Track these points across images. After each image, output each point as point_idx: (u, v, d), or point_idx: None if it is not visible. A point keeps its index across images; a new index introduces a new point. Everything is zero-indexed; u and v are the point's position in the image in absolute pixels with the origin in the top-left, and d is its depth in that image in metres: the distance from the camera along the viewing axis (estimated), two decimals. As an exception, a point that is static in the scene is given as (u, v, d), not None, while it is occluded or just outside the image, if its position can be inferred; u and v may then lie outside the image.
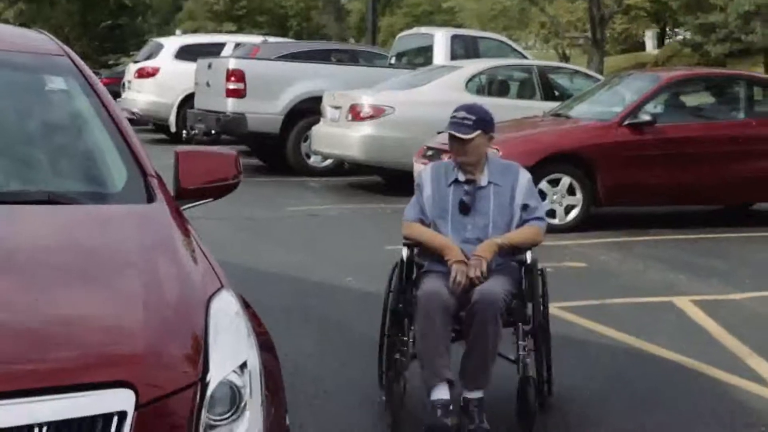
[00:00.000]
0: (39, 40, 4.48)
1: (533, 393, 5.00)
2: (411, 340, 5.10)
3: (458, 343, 5.05)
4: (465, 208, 5.16)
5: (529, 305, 5.11)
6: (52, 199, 3.46)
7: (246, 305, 3.18)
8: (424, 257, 5.23)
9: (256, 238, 10.50)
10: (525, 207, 5.20)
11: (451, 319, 4.92)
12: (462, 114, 5.19)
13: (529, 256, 5.17)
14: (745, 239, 11.15)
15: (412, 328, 5.11)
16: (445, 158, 11.52)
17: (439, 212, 5.20)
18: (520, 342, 5.06)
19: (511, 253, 5.17)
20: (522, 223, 5.20)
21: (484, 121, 5.19)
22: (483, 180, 5.21)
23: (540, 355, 5.20)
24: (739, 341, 6.91)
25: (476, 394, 4.90)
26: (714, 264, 9.68)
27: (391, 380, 5.19)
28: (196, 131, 16.90)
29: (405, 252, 5.24)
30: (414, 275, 5.30)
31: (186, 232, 3.38)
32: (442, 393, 4.82)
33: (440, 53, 18.30)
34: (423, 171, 5.47)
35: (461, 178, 5.22)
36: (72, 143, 3.96)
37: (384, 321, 5.41)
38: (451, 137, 5.19)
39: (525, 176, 5.29)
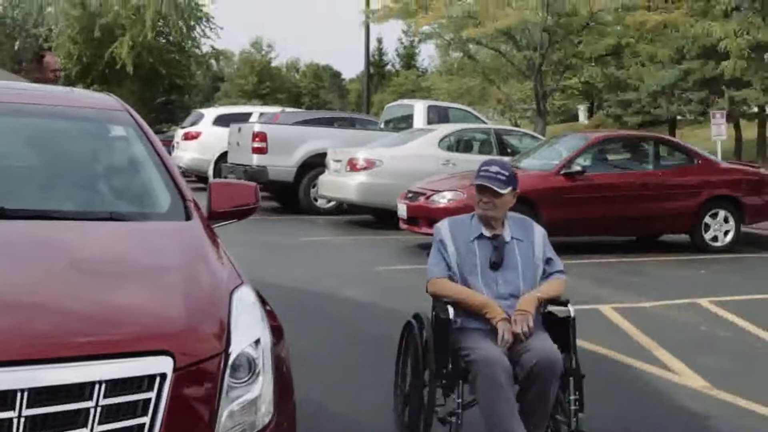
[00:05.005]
0: (105, 99, 4.52)
1: None
2: (460, 400, 3.99)
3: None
4: (495, 265, 4.19)
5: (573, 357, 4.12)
6: (112, 217, 3.50)
7: (263, 302, 3.18)
8: (456, 313, 4.09)
9: (275, 259, 10.48)
10: (548, 261, 4.33)
11: (513, 382, 3.91)
12: (495, 168, 4.27)
13: (572, 309, 4.18)
14: (654, 262, 11.16)
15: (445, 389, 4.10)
16: (422, 200, 11.63)
17: (468, 268, 4.20)
18: (572, 397, 4.03)
19: (541, 306, 4.24)
20: (546, 275, 4.31)
21: (514, 179, 4.30)
22: (507, 235, 4.27)
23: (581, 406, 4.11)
24: (648, 338, 6.92)
25: None
26: (630, 280, 9.70)
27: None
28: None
29: (451, 311, 4.04)
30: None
31: (215, 243, 3.39)
32: None
33: (419, 119, 18.40)
34: (441, 227, 4.35)
35: (486, 233, 4.26)
36: (128, 176, 3.98)
37: (398, 371, 4.67)
38: (483, 190, 4.23)
39: (540, 230, 4.40)
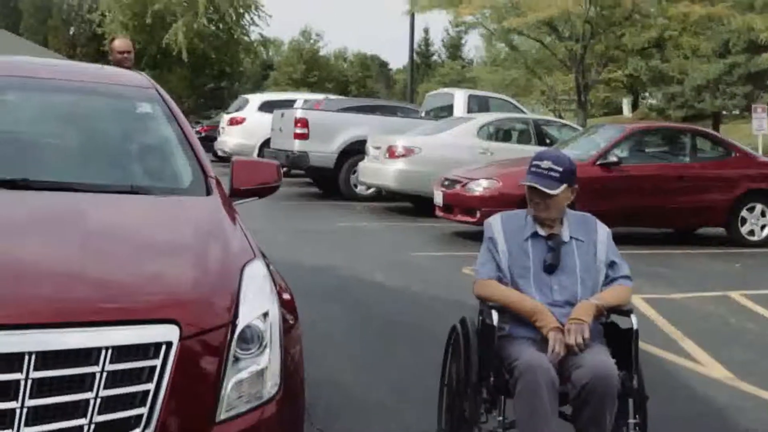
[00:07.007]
0: (135, 77, 4.56)
1: None
2: (501, 418, 3.47)
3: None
4: (551, 268, 3.64)
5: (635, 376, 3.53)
6: (132, 190, 3.52)
7: (277, 280, 3.17)
8: (504, 320, 3.56)
9: (312, 244, 10.51)
10: (612, 264, 3.74)
11: (557, 395, 3.38)
12: (547, 164, 3.68)
13: (634, 321, 3.57)
14: (688, 254, 11.01)
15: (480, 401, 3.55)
16: (458, 188, 11.57)
17: (519, 270, 3.66)
18: (631, 420, 3.46)
19: (601, 316, 3.64)
20: (609, 281, 3.72)
21: (570, 173, 3.69)
22: (565, 235, 3.70)
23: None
24: (675, 328, 6.84)
25: None
26: (663, 272, 9.56)
27: None
28: (271, 165, 16.93)
29: (495, 317, 3.51)
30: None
31: (233, 218, 3.39)
32: None
33: (459, 108, 18.31)
34: (492, 222, 3.79)
35: (542, 232, 3.70)
36: (153, 151, 4.00)
37: (444, 376, 3.99)
38: (533, 190, 3.67)
39: (604, 230, 3.81)
